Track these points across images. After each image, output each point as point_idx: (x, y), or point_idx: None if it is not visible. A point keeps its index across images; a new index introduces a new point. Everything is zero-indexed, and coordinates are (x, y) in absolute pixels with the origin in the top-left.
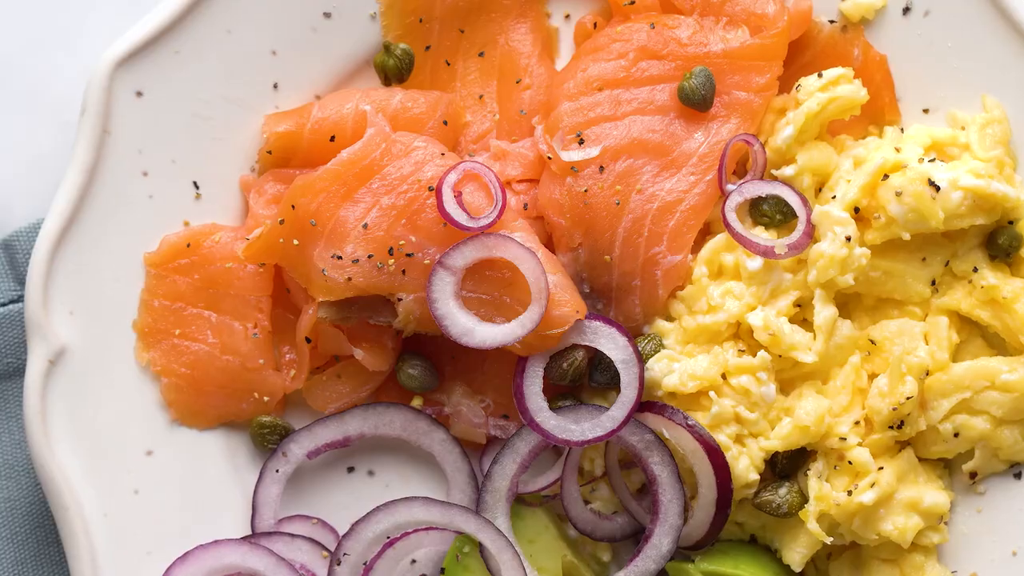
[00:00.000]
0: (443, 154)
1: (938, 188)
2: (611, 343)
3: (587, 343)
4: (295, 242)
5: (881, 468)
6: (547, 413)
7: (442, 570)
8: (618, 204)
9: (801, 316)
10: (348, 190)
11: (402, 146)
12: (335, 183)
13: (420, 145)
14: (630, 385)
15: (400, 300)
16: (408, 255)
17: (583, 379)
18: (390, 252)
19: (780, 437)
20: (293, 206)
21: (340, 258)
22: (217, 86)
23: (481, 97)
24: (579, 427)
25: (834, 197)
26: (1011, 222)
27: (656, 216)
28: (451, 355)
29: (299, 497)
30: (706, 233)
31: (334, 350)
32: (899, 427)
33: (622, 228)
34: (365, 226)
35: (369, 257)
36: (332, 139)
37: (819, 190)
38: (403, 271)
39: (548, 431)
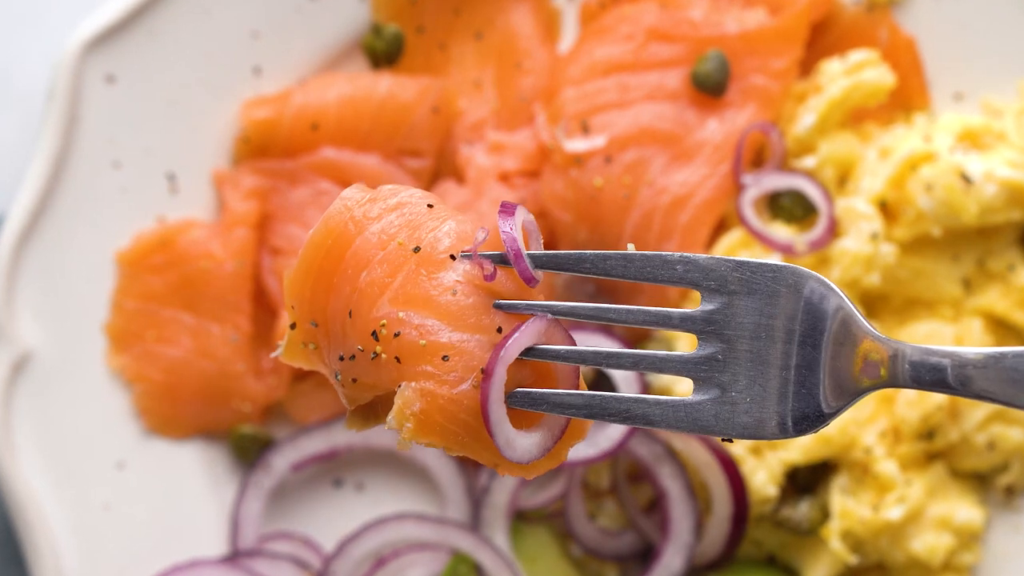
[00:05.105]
0: (430, 205)
1: (971, 181)
2: None
3: None
4: (311, 347)
5: (910, 482)
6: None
7: None
8: (626, 197)
9: None
10: (327, 278)
11: (381, 205)
12: (311, 274)
13: (405, 200)
14: None
15: (399, 388)
16: (396, 335)
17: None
18: (374, 336)
19: (801, 449)
20: (293, 306)
21: (342, 359)
22: (195, 71)
23: (478, 83)
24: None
25: (859, 190)
26: None
27: (667, 210)
28: None
29: (283, 513)
30: (721, 229)
31: None
32: (929, 438)
33: (630, 223)
34: (350, 314)
35: (360, 350)
36: (314, 127)
37: (843, 182)
38: (396, 358)
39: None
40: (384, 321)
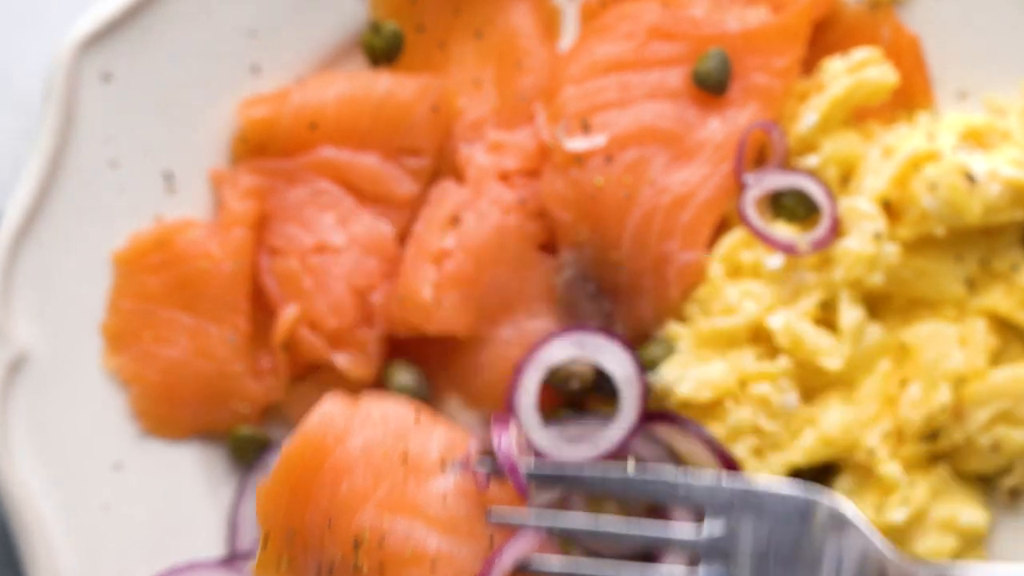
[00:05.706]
0: (416, 415)
1: (975, 180)
2: (612, 359)
3: (588, 358)
4: (285, 561)
5: (913, 484)
6: (541, 432)
7: None
8: (627, 197)
9: (826, 319)
10: (305, 489)
11: (362, 417)
12: (287, 486)
13: (390, 412)
14: (630, 405)
15: None
16: (380, 543)
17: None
18: (355, 546)
19: (803, 450)
20: (266, 518)
21: (320, 571)
22: (192, 69)
23: (478, 82)
24: (573, 447)
25: (862, 189)
26: None
27: (668, 210)
28: (443, 363)
29: None
30: (722, 228)
31: (313, 357)
32: (933, 440)
33: (631, 223)
34: (329, 523)
35: (340, 560)
36: (313, 126)
37: (845, 181)
38: (381, 566)
39: (541, 450)
40: (368, 529)
